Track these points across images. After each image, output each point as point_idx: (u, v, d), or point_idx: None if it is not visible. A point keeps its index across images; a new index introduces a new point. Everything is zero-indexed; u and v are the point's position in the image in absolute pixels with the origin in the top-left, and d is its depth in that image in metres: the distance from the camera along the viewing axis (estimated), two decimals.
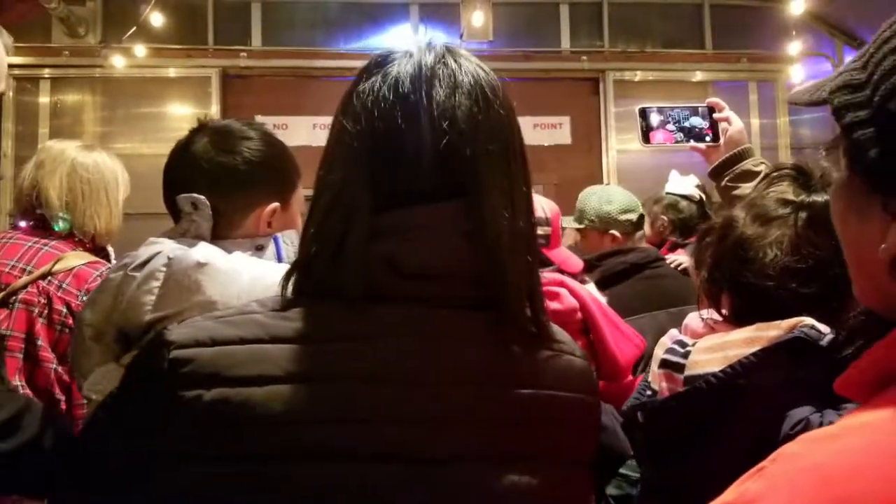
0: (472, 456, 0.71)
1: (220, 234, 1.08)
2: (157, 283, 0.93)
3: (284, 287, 0.74)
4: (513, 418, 0.73)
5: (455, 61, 0.76)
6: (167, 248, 0.97)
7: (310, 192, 0.79)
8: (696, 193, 2.80)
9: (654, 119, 1.63)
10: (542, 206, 1.93)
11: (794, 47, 4.79)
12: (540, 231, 1.90)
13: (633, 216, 2.41)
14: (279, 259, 1.10)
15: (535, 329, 0.77)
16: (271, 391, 0.67)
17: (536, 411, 0.75)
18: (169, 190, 1.11)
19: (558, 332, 0.81)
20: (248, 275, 0.93)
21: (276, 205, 1.13)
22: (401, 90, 0.73)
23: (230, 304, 0.82)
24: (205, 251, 0.96)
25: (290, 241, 1.12)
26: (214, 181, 1.08)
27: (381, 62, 0.76)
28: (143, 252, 0.98)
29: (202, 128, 1.15)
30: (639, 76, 5.05)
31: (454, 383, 0.72)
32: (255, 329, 0.70)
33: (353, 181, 0.72)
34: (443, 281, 0.73)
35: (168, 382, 0.68)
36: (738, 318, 1.03)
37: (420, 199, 0.72)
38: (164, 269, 0.94)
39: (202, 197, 1.06)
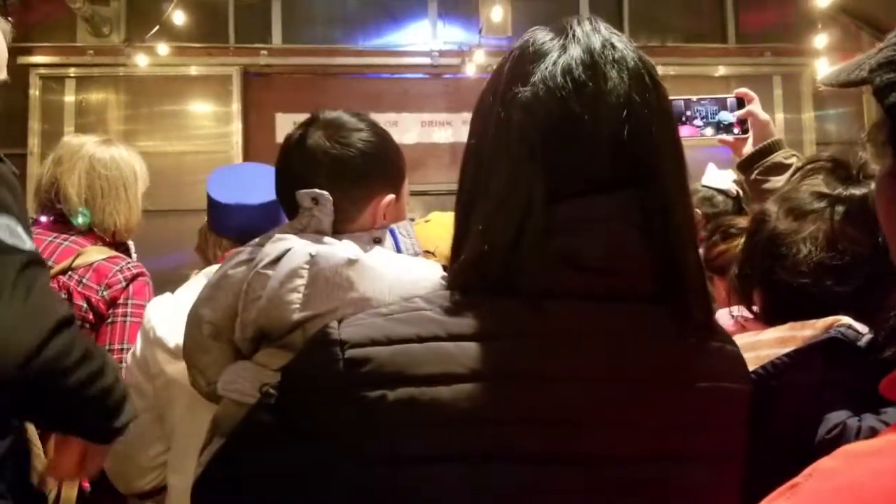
0: (658, 455, 0.70)
1: (338, 229, 1.06)
2: (301, 281, 0.90)
3: (453, 283, 0.72)
4: (696, 414, 0.72)
5: (621, 44, 0.73)
6: (298, 244, 0.95)
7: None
8: (734, 188, 2.69)
9: (682, 112, 1.60)
10: None
11: (820, 40, 4.70)
12: None
13: None
14: (398, 250, 1.08)
15: (705, 320, 0.75)
16: (458, 390, 0.65)
17: (715, 405, 0.74)
18: (288, 186, 1.09)
19: (716, 321, 0.79)
20: (392, 271, 0.90)
21: (391, 196, 1.12)
22: (577, 77, 0.69)
23: (383, 301, 0.80)
24: (351, 248, 0.94)
25: (405, 233, 1.11)
26: (333, 174, 1.07)
27: (539, 49, 0.73)
28: (271, 249, 0.95)
29: (314, 121, 1.13)
30: (660, 71, 4.93)
31: (639, 381, 0.70)
32: (430, 326, 0.68)
33: (526, 174, 0.69)
34: (620, 274, 0.70)
35: (347, 382, 0.66)
36: (769, 317, 1.00)
37: (595, 190, 0.70)
38: (307, 266, 0.91)
39: (325, 192, 1.04)
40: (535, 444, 0.66)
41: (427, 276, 0.81)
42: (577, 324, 0.69)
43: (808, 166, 1.05)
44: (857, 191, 0.97)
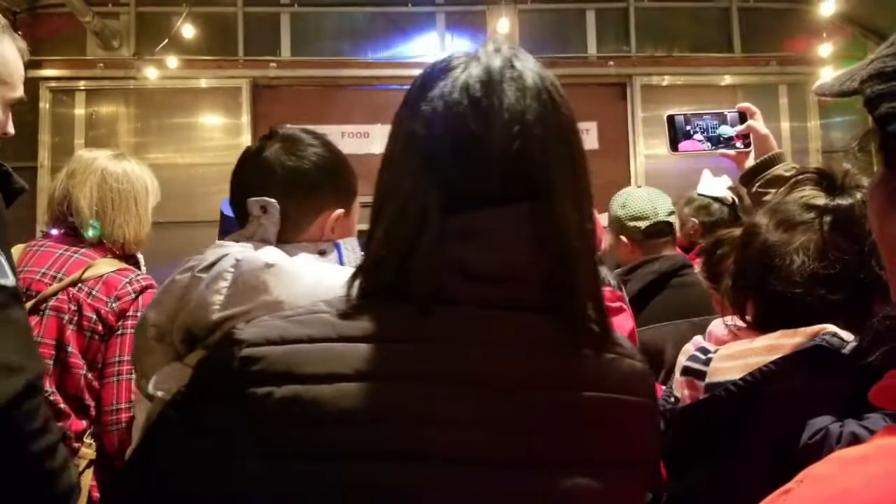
0: (538, 460, 0.71)
1: (285, 238, 1.10)
2: (225, 284, 0.95)
3: (350, 289, 0.75)
4: (579, 422, 0.73)
5: (522, 64, 0.76)
6: (234, 250, 0.99)
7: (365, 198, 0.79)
8: (729, 196, 2.68)
9: (683, 127, 1.62)
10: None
11: (825, 49, 4.71)
12: None
13: (643, 224, 2.31)
14: (341, 264, 1.11)
15: (600, 331, 0.77)
16: (340, 389, 0.68)
17: (602, 415, 0.74)
18: (239, 194, 1.13)
19: (618, 335, 0.81)
20: (311, 277, 0.94)
21: (340, 211, 1.15)
22: (472, 94, 0.73)
23: (296, 305, 0.82)
24: (272, 253, 0.98)
25: (351, 248, 1.14)
26: (286, 185, 1.11)
27: (446, 67, 0.77)
28: (210, 255, 1.00)
29: (273, 135, 1.17)
30: (666, 81, 5.01)
31: (521, 386, 0.72)
32: (324, 328, 0.71)
33: (425, 185, 0.72)
34: (511, 284, 0.73)
35: (240, 380, 0.69)
36: (761, 325, 1.02)
37: (489, 202, 0.73)
38: (232, 269, 0.95)
39: (273, 200, 1.08)
40: (407, 444, 0.68)
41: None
42: (462, 330, 0.72)
43: (796, 178, 1.07)
44: (843, 201, 0.99)
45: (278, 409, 0.67)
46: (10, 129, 1.38)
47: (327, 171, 1.15)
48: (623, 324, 1.84)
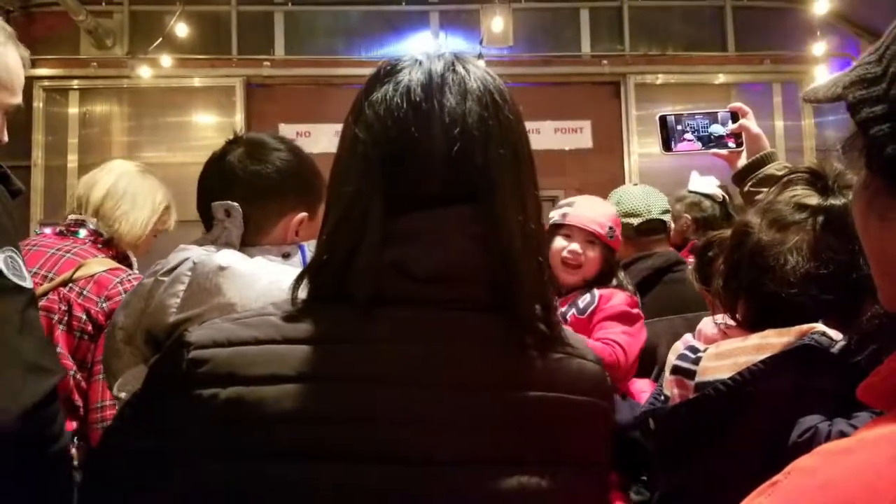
0: (479, 458, 0.71)
1: (249, 241, 1.11)
2: (182, 287, 0.96)
3: (296, 291, 0.75)
4: (522, 420, 0.73)
5: (464, 68, 0.77)
6: (194, 254, 1.00)
7: None
8: (719, 193, 2.72)
9: (675, 127, 1.62)
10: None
11: (819, 48, 4.72)
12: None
13: (636, 221, 2.32)
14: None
15: (547, 331, 0.77)
16: (282, 390, 0.69)
17: (546, 414, 0.75)
18: (204, 198, 1.15)
19: (571, 335, 0.81)
20: (266, 279, 0.95)
21: (304, 214, 1.16)
22: (413, 98, 0.74)
23: (249, 307, 0.84)
24: (227, 256, 0.99)
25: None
26: (247, 189, 1.12)
27: (390, 71, 0.78)
28: (173, 258, 1.01)
29: (237, 140, 1.19)
30: (660, 79, 5.01)
31: (463, 385, 0.72)
32: (269, 330, 0.72)
33: (366, 188, 0.73)
34: (453, 284, 0.74)
35: (187, 382, 0.70)
36: (751, 324, 1.02)
37: (431, 204, 0.73)
38: (188, 273, 0.97)
39: (235, 204, 1.09)
40: (347, 443, 0.69)
41: None
42: (403, 330, 0.73)
43: (788, 177, 1.07)
44: (836, 201, 0.99)
45: (224, 410, 0.69)
46: (4, 137, 1.39)
47: (290, 175, 1.16)
48: (640, 337, 1.85)
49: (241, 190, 1.12)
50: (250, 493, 0.68)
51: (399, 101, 0.74)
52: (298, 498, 0.68)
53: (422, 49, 0.80)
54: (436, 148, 0.73)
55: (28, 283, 1.12)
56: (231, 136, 1.21)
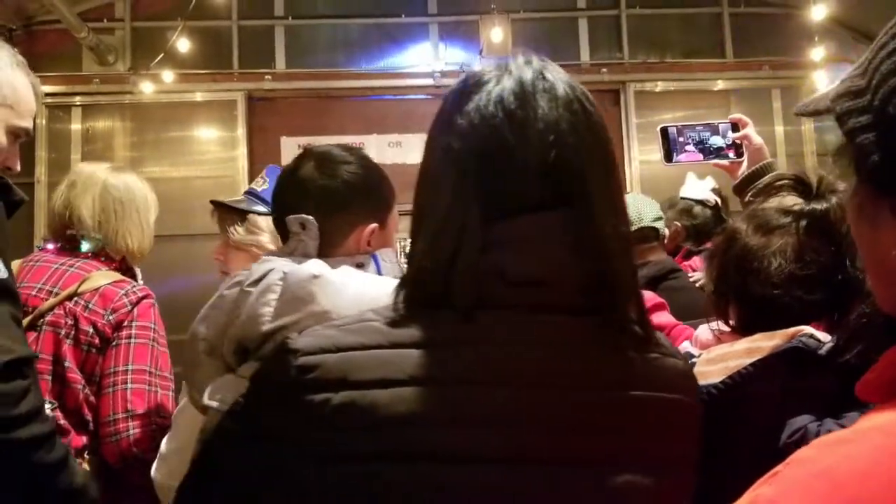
0: (591, 459, 0.73)
1: (323, 253, 1.14)
2: (274, 296, 0.98)
3: (397, 298, 0.77)
4: (628, 420, 0.75)
5: (552, 75, 0.79)
6: (279, 264, 1.02)
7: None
8: (712, 198, 2.70)
9: (677, 138, 1.65)
10: None
11: (817, 53, 4.73)
12: None
13: None
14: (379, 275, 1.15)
15: (641, 332, 0.78)
16: (394, 394, 0.70)
17: (648, 414, 0.76)
18: (279, 212, 1.19)
19: (659, 335, 0.83)
20: (354, 287, 0.97)
21: (374, 225, 1.20)
22: (507, 106, 0.76)
23: (342, 314, 0.85)
24: (318, 265, 1.01)
25: (388, 259, 1.18)
26: (319, 203, 1.16)
27: (477, 82, 0.79)
28: (257, 269, 1.03)
29: (307, 153, 1.23)
30: (660, 87, 5.03)
31: (569, 387, 0.74)
32: (375, 336, 0.74)
33: (463, 198, 0.75)
34: (549, 288, 0.75)
35: (296, 388, 0.72)
36: (744, 329, 1.04)
37: (527, 211, 0.75)
38: (280, 282, 0.98)
39: (310, 217, 1.13)
40: (463, 445, 0.71)
41: (389, 291, 0.87)
42: (506, 333, 0.74)
43: (774, 184, 1.09)
44: (818, 205, 1.02)
45: (336, 415, 0.70)
46: (17, 166, 1.39)
47: (359, 189, 1.19)
48: (666, 318, 1.87)
49: (313, 204, 1.15)
50: (366, 497, 0.70)
51: (493, 109, 0.76)
52: (414, 500, 0.70)
53: (509, 58, 0.82)
54: (531, 155, 0.75)
55: (1, 274, 1.11)
56: (302, 151, 1.24)
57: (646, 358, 0.78)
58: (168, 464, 1.33)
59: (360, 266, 1.13)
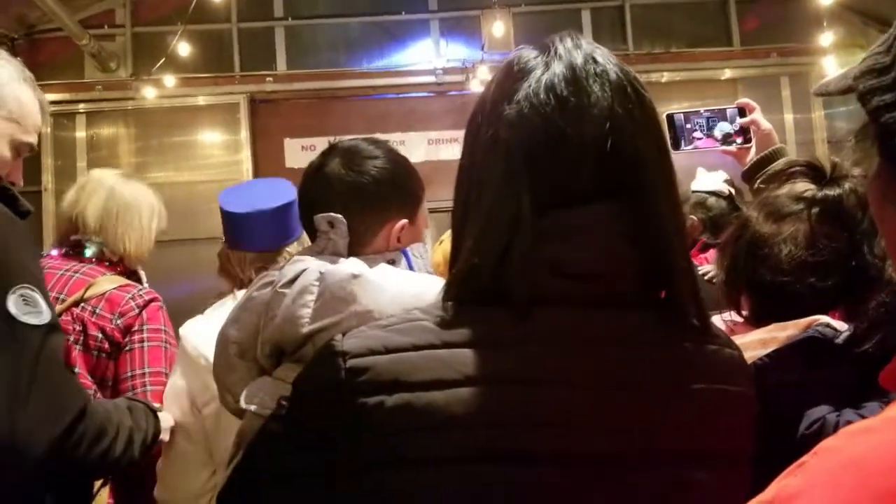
0: (653, 454, 0.70)
1: (353, 252, 1.11)
2: (311, 297, 0.95)
3: (447, 295, 0.74)
4: (690, 414, 0.72)
5: (603, 59, 0.74)
6: (313, 264, 1.00)
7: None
8: (725, 188, 2.66)
9: (684, 125, 1.62)
10: None
11: (826, 38, 4.68)
12: None
13: None
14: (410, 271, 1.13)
15: (699, 323, 0.75)
16: (451, 395, 0.68)
17: (711, 406, 0.74)
18: (306, 210, 1.15)
19: (715, 326, 0.80)
20: (394, 285, 0.95)
21: (404, 221, 1.16)
22: (559, 93, 0.71)
23: (384, 313, 0.83)
24: (356, 264, 0.99)
25: (419, 255, 1.17)
26: (347, 200, 1.12)
27: (524, 68, 0.75)
28: (289, 270, 1.00)
29: (333, 149, 1.18)
30: (666, 77, 4.99)
31: (630, 382, 0.71)
32: (425, 336, 0.70)
33: (514, 189, 0.71)
34: (608, 281, 0.72)
35: (347, 391, 0.69)
36: (757, 319, 1.02)
37: (579, 201, 0.71)
38: (317, 282, 0.96)
39: (339, 216, 1.09)
40: (525, 445, 0.68)
41: (429, 289, 0.84)
42: (564, 329, 0.71)
43: (787, 171, 1.07)
44: (831, 191, 0.99)
45: (390, 418, 0.67)
46: (20, 181, 1.39)
47: (387, 184, 1.15)
48: None
49: (341, 202, 1.11)
50: (426, 499, 0.68)
51: (545, 97, 0.71)
52: (474, 501, 0.67)
53: (552, 40, 0.76)
54: (586, 143, 0.70)
55: (45, 316, 1.12)
56: (328, 146, 1.20)
57: (706, 350, 0.75)
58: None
59: (391, 263, 1.10)
